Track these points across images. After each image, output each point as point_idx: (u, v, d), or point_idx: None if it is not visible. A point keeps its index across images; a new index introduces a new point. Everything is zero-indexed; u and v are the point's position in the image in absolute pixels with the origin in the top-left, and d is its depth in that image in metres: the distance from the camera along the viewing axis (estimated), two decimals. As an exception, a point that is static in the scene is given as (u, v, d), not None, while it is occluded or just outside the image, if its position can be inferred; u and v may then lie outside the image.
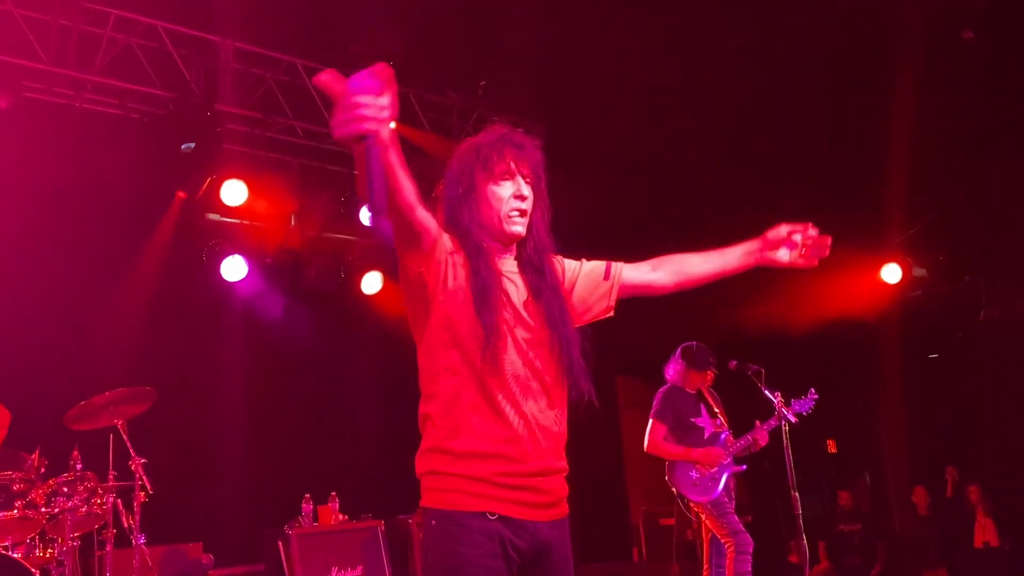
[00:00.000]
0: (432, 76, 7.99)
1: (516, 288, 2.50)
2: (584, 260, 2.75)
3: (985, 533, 8.83)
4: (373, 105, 1.89)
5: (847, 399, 9.24)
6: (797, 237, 2.78)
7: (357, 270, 8.32)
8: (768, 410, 5.94)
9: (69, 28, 6.73)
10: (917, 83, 7.42)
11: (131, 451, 5.82)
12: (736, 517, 5.92)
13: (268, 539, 6.60)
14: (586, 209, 8.24)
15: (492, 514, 2.32)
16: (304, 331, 8.12)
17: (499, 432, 2.36)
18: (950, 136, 7.97)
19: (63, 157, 6.94)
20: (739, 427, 6.22)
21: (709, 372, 6.32)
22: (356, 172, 1.98)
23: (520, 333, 2.43)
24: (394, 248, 2.36)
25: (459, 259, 2.44)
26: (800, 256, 2.81)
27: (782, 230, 2.79)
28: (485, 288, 2.39)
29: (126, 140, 7.15)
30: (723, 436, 6.11)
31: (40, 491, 5.40)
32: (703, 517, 6.01)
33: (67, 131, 6.97)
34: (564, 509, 2.50)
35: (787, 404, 5.77)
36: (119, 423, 5.88)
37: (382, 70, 1.91)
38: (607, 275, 2.69)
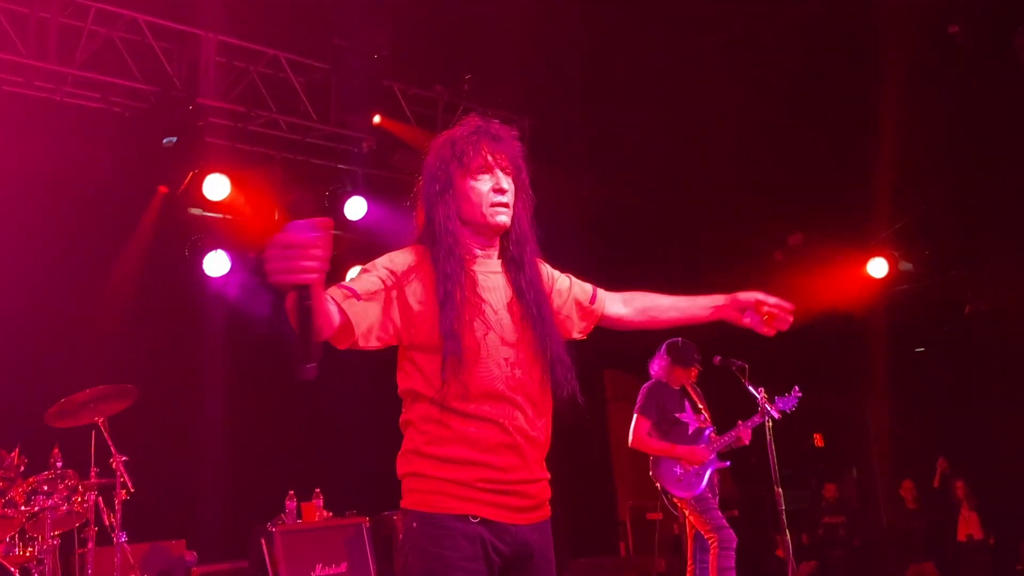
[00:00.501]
0: (418, 69, 7.94)
1: (498, 289, 2.45)
2: (572, 276, 2.73)
3: (969, 526, 8.87)
4: (312, 256, 1.85)
5: (834, 393, 9.26)
6: (765, 308, 2.71)
7: (341, 266, 8.26)
8: (752, 406, 5.94)
9: (49, 21, 6.66)
10: (904, 78, 7.41)
11: (112, 449, 5.78)
12: (720, 513, 5.91)
13: (252, 536, 6.55)
14: (572, 203, 8.22)
15: (474, 517, 2.30)
16: (288, 327, 8.07)
17: (480, 439, 2.32)
18: (936, 131, 7.97)
19: (43, 151, 6.87)
20: (723, 423, 6.21)
21: (694, 368, 6.31)
22: (287, 324, 2.00)
23: (500, 336, 2.38)
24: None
25: (421, 274, 2.38)
26: (762, 323, 2.74)
27: (753, 297, 2.73)
28: (451, 289, 2.33)
29: (107, 134, 7.09)
30: (707, 432, 6.10)
31: (20, 489, 5.35)
32: (687, 513, 6.00)
33: (47, 125, 6.91)
34: (546, 512, 2.47)
35: (771, 400, 5.76)
36: (100, 420, 5.83)
37: (322, 223, 1.86)
38: (593, 300, 2.69)
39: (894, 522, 9.74)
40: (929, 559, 8.98)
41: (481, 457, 2.32)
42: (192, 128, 7.23)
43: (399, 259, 2.40)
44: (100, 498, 5.81)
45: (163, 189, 7.48)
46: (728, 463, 6.08)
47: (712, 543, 5.76)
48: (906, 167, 8.17)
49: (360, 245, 7.77)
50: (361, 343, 2.27)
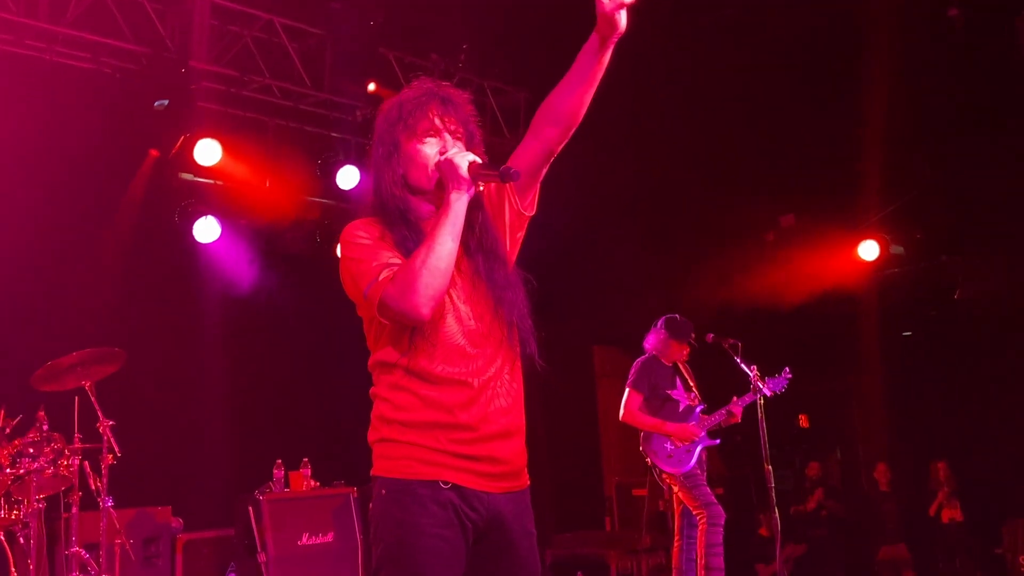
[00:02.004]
0: (414, 38, 7.84)
1: None
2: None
3: (951, 510, 8.93)
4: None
5: (821, 375, 9.29)
6: None
7: (332, 233, 8.21)
8: (742, 385, 5.95)
9: (39, -23, 6.53)
10: (895, 60, 7.39)
11: (99, 413, 5.73)
12: (708, 489, 5.94)
13: (239, 504, 6.53)
14: (564, 179, 8.17)
15: (445, 483, 2.24)
16: (278, 295, 8.02)
17: (446, 401, 2.27)
18: (928, 114, 7.96)
19: (33, 111, 6.75)
20: (712, 402, 6.23)
21: (687, 346, 6.31)
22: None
23: (456, 294, 2.34)
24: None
25: (383, 237, 2.34)
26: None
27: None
28: (410, 249, 2.28)
29: (98, 95, 6.98)
30: (698, 410, 6.11)
31: (4, 452, 5.31)
32: (675, 489, 6.01)
33: (37, 85, 6.79)
34: (523, 481, 2.42)
35: (762, 379, 5.77)
36: (87, 384, 5.79)
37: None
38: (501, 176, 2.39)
39: (869, 503, 9.80)
40: (901, 541, 9.06)
41: (448, 418, 2.26)
42: (184, 91, 7.14)
43: (368, 232, 2.36)
44: (86, 462, 5.77)
45: (154, 153, 7.38)
46: (718, 441, 6.09)
47: (700, 519, 5.79)
48: (899, 150, 8.17)
49: (352, 214, 7.69)
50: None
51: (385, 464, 2.30)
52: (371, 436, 2.38)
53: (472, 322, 2.33)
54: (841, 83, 7.87)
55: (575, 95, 2.39)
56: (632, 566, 8.60)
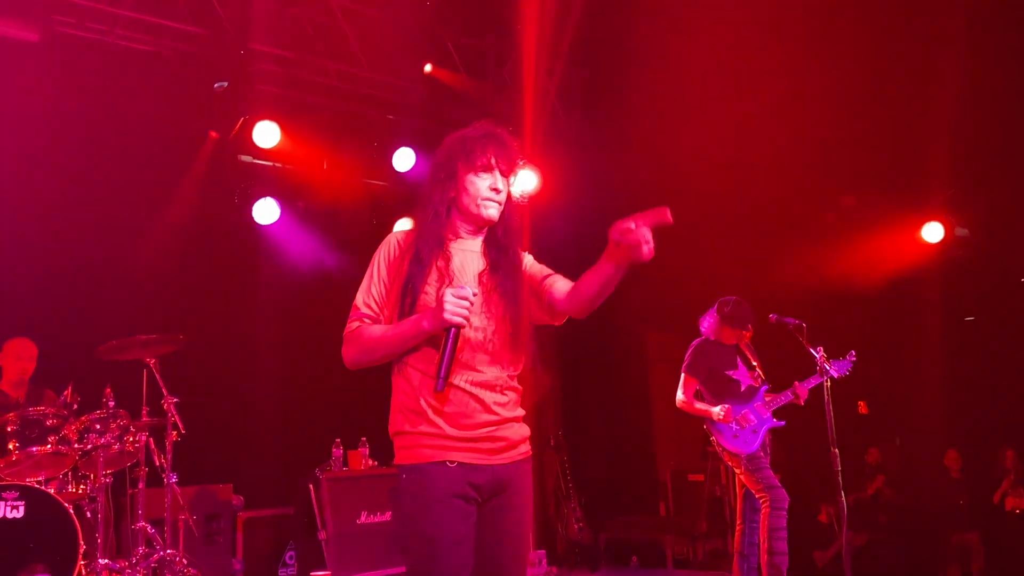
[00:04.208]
0: (470, 18, 7.81)
1: (473, 261, 2.79)
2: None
3: (1015, 498, 8.72)
4: (468, 309, 2.57)
5: (882, 359, 9.09)
6: (628, 227, 2.45)
7: (390, 218, 8.21)
8: (802, 367, 5.82)
9: (102, -40, 6.60)
10: (963, 37, 7.18)
11: (163, 390, 5.80)
12: (772, 472, 5.82)
13: (299, 482, 6.58)
14: (620, 159, 8.11)
15: (451, 462, 2.65)
16: (336, 276, 8.05)
17: (448, 401, 2.67)
18: (997, 92, 7.73)
19: (95, 93, 6.85)
20: (772, 384, 6.11)
21: (746, 332, 6.19)
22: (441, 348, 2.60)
23: (472, 315, 2.67)
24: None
25: (404, 255, 2.76)
26: (632, 245, 2.46)
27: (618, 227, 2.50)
28: (426, 273, 2.71)
29: (158, 77, 7.04)
30: (762, 390, 5.99)
31: (73, 427, 5.40)
32: (737, 472, 5.91)
33: (99, 68, 6.88)
34: (523, 452, 2.80)
35: (828, 361, 5.64)
36: (152, 362, 5.86)
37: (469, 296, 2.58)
38: (546, 278, 2.90)
39: (938, 492, 9.59)
40: (974, 529, 8.85)
41: (448, 410, 2.67)
42: (243, 73, 7.18)
43: (394, 249, 2.80)
44: (151, 439, 5.85)
45: (214, 135, 7.44)
46: (783, 423, 5.97)
47: (764, 503, 5.68)
48: (965, 129, 7.94)
49: (409, 197, 7.70)
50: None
51: (402, 453, 2.73)
52: (391, 428, 2.81)
53: (474, 331, 2.70)
54: (906, 59, 7.67)
55: (586, 307, 2.76)
56: (688, 551, 8.53)
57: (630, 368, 10.22)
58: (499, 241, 2.83)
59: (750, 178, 8.71)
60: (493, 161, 2.76)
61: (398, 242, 2.81)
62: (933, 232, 8.75)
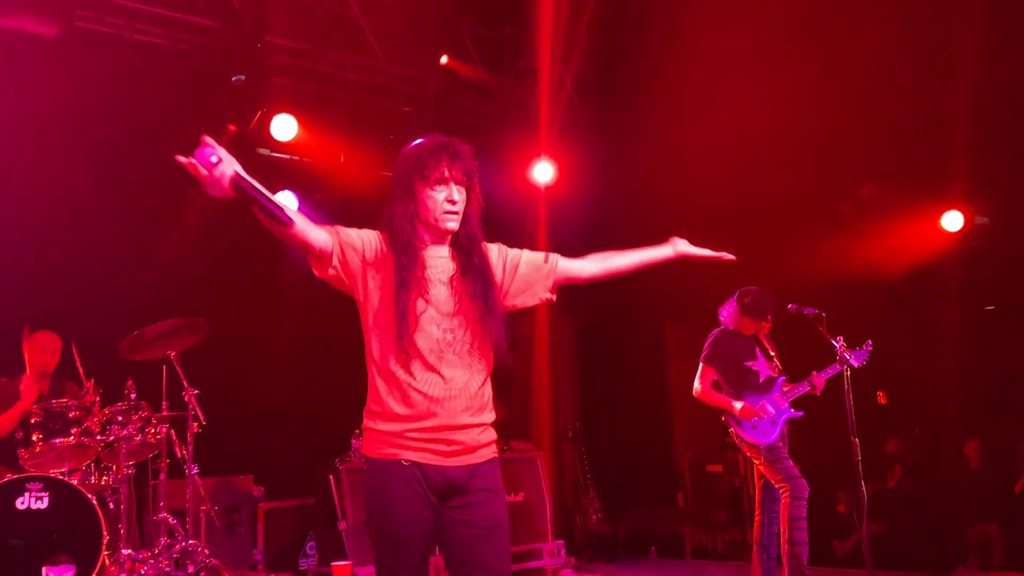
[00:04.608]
0: (487, 9, 7.80)
1: (443, 268, 2.91)
2: (525, 250, 3.13)
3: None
4: (216, 163, 2.49)
5: (900, 349, 9.04)
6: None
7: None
8: (820, 357, 5.79)
9: (119, -46, 6.64)
10: (984, 24, 7.11)
11: (184, 382, 5.86)
12: (791, 462, 5.80)
13: (319, 473, 6.61)
14: (638, 147, 8.08)
15: (406, 461, 2.80)
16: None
17: (413, 399, 2.80)
18: (1014, 79, 7.65)
19: (114, 88, 6.90)
20: (789, 373, 6.09)
21: (765, 323, 6.17)
22: (255, 209, 2.61)
23: (437, 311, 2.85)
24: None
25: (385, 258, 2.86)
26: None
27: (690, 251, 3.38)
28: (403, 277, 2.81)
29: (176, 72, 7.09)
30: (779, 381, 5.98)
31: (95, 419, 5.46)
32: (756, 463, 5.90)
33: (117, 62, 6.93)
34: (481, 456, 2.89)
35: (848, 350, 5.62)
36: (172, 354, 5.91)
37: (204, 143, 2.50)
38: (546, 260, 3.08)
39: (957, 482, 9.54)
40: (993, 520, 8.81)
41: (409, 411, 2.81)
42: (260, 67, 7.21)
43: (374, 242, 2.88)
44: (172, 431, 5.91)
45: (232, 128, 7.47)
46: (801, 413, 5.95)
47: (784, 493, 5.67)
48: (985, 116, 7.87)
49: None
50: (296, 229, 2.72)
51: (367, 446, 2.90)
52: (363, 422, 2.94)
53: (443, 334, 2.85)
54: (926, 46, 7.60)
55: (623, 270, 3.19)
56: (707, 542, 8.54)
57: (648, 359, 10.20)
58: (464, 245, 2.95)
59: (768, 168, 8.66)
60: (447, 173, 2.87)
61: (383, 241, 2.90)
62: (953, 221, 8.68)
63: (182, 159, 2.49)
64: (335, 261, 2.82)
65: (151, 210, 7.23)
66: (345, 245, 2.83)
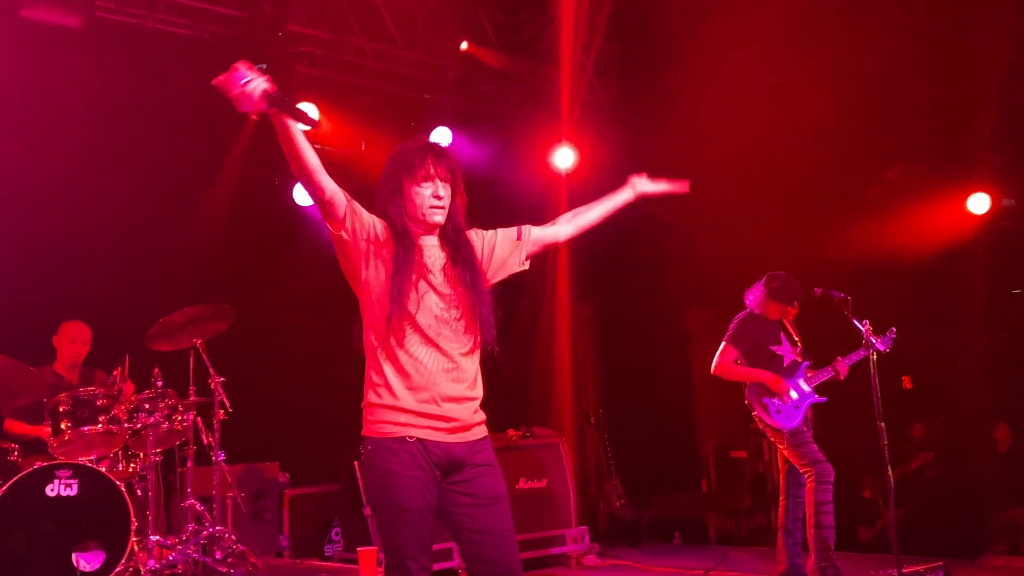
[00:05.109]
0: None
1: (436, 257, 3.09)
2: (500, 229, 3.30)
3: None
4: (250, 81, 2.77)
5: (925, 333, 8.96)
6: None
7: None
8: (845, 341, 5.75)
9: (140, -57, 6.66)
10: (1011, 2, 7.01)
11: (210, 369, 5.90)
12: (816, 447, 5.78)
13: (343, 459, 6.65)
14: (660, 132, 8.04)
15: (410, 438, 2.92)
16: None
17: (413, 372, 2.95)
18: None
19: (137, 78, 6.93)
20: (814, 358, 6.05)
21: (791, 308, 6.13)
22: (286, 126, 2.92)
23: (435, 292, 3.03)
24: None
25: (386, 243, 3.02)
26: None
27: (646, 188, 3.52)
28: (404, 260, 3.00)
29: (198, 61, 7.09)
30: (803, 366, 5.94)
31: (122, 407, 5.51)
32: (780, 447, 5.87)
33: (140, 51, 6.96)
34: (476, 434, 3.06)
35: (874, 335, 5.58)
36: (198, 342, 5.96)
37: (236, 68, 2.77)
38: (519, 236, 3.28)
39: (984, 466, 9.46)
40: (1022, 505, 8.74)
41: (411, 385, 2.95)
42: (281, 55, 7.21)
43: (378, 225, 3.05)
44: (199, 418, 5.96)
45: (253, 116, 7.47)
46: (825, 398, 5.92)
47: (808, 477, 5.64)
48: (1012, 96, 7.76)
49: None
50: (321, 179, 2.92)
51: (368, 426, 3.00)
52: (363, 401, 3.06)
53: (439, 318, 3.01)
54: (953, 28, 7.50)
55: (594, 223, 3.40)
56: (731, 527, 8.52)
57: (670, 345, 10.17)
58: (451, 237, 3.13)
59: (791, 151, 8.58)
60: (432, 171, 3.06)
61: (384, 227, 3.07)
62: (979, 203, 8.58)
63: (218, 80, 2.78)
64: (347, 225, 2.98)
65: (174, 198, 7.27)
66: (357, 214, 3.01)
